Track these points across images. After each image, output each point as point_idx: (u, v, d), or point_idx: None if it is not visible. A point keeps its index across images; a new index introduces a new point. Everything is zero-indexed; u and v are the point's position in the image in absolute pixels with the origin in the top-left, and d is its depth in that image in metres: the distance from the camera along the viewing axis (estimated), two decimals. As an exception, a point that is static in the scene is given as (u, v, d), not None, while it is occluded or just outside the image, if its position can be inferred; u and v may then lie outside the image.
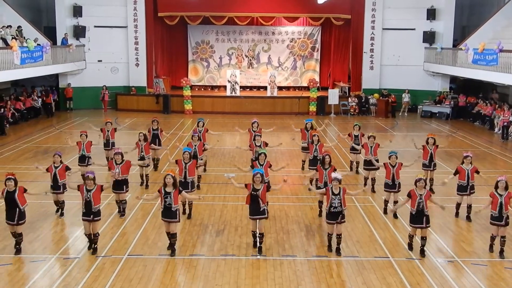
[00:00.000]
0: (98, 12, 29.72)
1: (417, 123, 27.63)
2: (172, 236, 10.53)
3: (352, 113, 29.34)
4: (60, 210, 12.68)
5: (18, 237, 10.55)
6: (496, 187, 10.58)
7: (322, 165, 12.25)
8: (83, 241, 11.04)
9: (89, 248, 10.61)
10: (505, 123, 23.03)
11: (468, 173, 12.41)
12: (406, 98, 29.82)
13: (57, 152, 12.73)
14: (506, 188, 10.52)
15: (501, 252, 10.57)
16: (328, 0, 27.67)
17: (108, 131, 16.70)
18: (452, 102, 28.63)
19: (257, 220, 10.66)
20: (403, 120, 28.27)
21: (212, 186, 15.23)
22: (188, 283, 9.37)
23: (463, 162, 12.59)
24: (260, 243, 10.75)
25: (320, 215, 12.76)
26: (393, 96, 29.23)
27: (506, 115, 23.22)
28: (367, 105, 29.74)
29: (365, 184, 14.83)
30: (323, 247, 10.95)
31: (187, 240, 11.27)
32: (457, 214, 12.85)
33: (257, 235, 10.74)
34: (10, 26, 25.12)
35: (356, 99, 29.75)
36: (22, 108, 26.27)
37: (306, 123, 16.44)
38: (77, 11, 29.51)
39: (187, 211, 12.71)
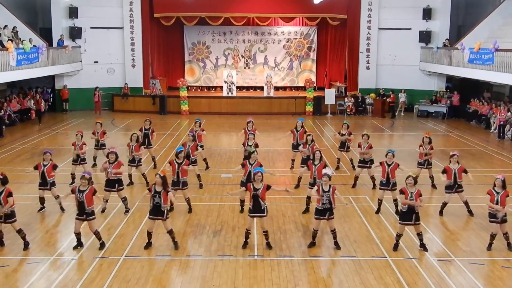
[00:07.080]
0: (94, 13, 29.67)
1: (413, 122, 27.64)
2: (169, 233, 10.70)
3: (349, 113, 29.35)
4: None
5: (19, 233, 10.69)
6: (494, 185, 10.78)
7: (312, 160, 12.39)
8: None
9: (74, 247, 10.70)
10: (502, 122, 23.08)
11: (455, 172, 12.48)
12: (402, 97, 29.83)
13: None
14: (504, 186, 10.65)
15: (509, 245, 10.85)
16: (324, 0, 27.70)
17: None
18: (448, 102, 28.68)
19: (255, 219, 10.79)
20: (399, 120, 28.28)
21: (209, 187, 15.20)
22: (186, 284, 9.36)
23: (450, 162, 12.67)
24: (267, 239, 10.87)
25: (305, 211, 12.95)
26: (392, 95, 29.21)
27: (503, 114, 23.25)
28: (363, 105, 29.76)
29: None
30: (320, 247, 10.96)
31: (184, 241, 11.25)
32: (441, 213, 12.92)
33: (249, 232, 10.83)
34: (6, 26, 25.05)
35: (352, 99, 29.76)
36: (18, 109, 26.22)
37: (297, 123, 16.82)
38: (73, 12, 29.48)
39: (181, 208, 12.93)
